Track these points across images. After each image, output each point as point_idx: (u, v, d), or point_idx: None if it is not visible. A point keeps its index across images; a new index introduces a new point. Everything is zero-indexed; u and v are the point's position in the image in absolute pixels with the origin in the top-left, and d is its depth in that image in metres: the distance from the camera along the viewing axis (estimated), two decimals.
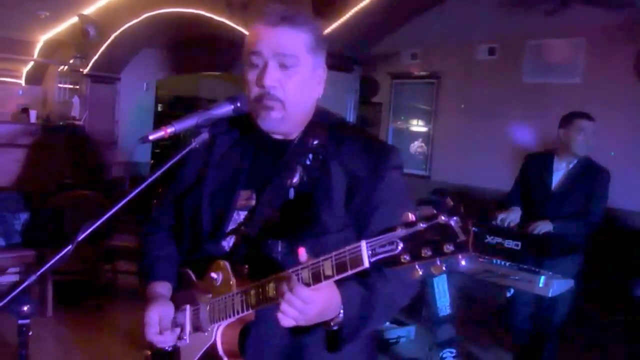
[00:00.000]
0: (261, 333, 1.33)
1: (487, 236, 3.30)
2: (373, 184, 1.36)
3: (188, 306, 1.46)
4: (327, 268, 1.11)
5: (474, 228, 1.00)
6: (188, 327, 1.44)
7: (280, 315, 1.16)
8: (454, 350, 3.44)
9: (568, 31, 7.28)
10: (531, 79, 7.83)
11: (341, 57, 4.79)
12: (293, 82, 1.36)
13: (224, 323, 1.36)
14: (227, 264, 1.38)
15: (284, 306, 1.15)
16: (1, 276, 4.96)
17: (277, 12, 1.36)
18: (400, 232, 1.03)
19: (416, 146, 9.58)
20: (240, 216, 1.43)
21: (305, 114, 1.44)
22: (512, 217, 3.54)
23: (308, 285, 1.14)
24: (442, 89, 9.12)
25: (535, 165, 3.84)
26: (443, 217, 1.00)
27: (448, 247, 0.99)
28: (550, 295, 3.08)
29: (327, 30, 4.54)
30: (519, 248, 3.22)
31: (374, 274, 1.24)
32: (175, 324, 1.46)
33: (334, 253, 1.11)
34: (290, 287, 1.14)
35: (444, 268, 1.02)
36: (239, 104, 1.35)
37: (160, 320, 1.45)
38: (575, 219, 3.52)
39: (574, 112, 3.68)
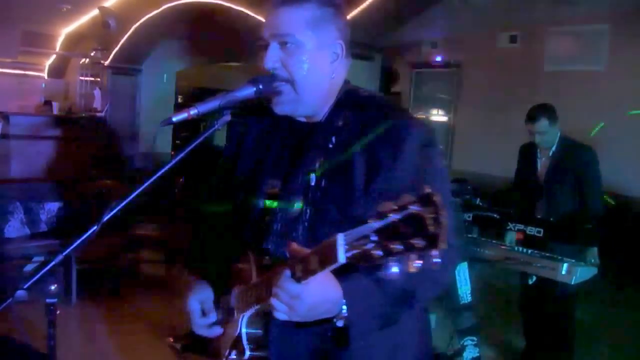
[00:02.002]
0: (284, 324, 1.28)
1: (509, 223, 3.28)
2: (394, 164, 1.27)
3: (221, 296, 1.46)
4: (314, 262, 1.06)
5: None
6: (222, 317, 1.44)
7: (272, 309, 1.16)
8: (475, 338, 3.42)
9: (591, 18, 7.16)
10: (553, 67, 7.72)
11: (361, 45, 4.77)
12: (295, 60, 1.32)
13: (247, 314, 1.36)
14: (251, 255, 1.38)
15: (272, 299, 1.14)
16: (27, 265, 5.05)
17: None
18: (375, 224, 0.93)
19: (436, 136, 9.52)
20: (266, 204, 1.41)
21: (322, 93, 1.38)
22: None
23: (299, 280, 1.10)
24: (462, 78, 9.04)
25: (524, 155, 4.02)
26: (415, 207, 0.89)
27: (418, 242, 0.87)
28: (573, 282, 3.05)
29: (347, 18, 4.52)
30: (541, 235, 3.20)
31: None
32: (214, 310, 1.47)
33: (318, 246, 1.06)
34: (278, 282, 1.13)
35: (417, 265, 0.90)
36: (260, 86, 1.31)
37: (202, 306, 1.44)
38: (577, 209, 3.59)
39: (528, 113, 3.75)
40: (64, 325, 4.15)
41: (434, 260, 0.88)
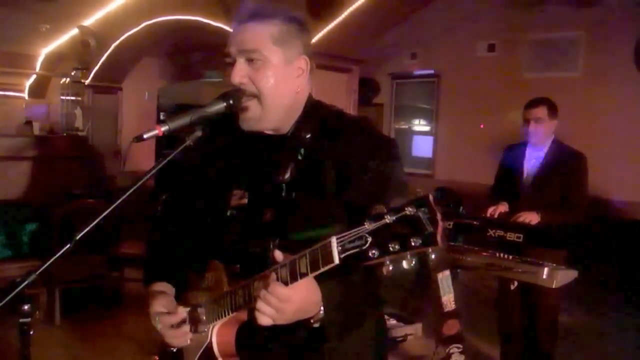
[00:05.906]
0: (255, 332, 1.31)
1: (489, 229, 3.30)
2: (366, 177, 1.31)
3: (189, 307, 1.46)
4: (302, 265, 1.10)
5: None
6: (189, 328, 1.44)
7: (257, 314, 1.16)
8: (460, 346, 3.43)
9: (568, 25, 7.28)
10: (531, 74, 7.83)
11: (339, 57, 4.80)
12: (262, 75, 1.34)
13: (218, 323, 1.37)
14: (221, 264, 1.39)
15: (259, 304, 1.15)
16: None
17: (247, 8, 1.36)
18: (369, 226, 0.99)
19: (419, 146, 9.56)
20: (234, 215, 1.43)
21: (287, 108, 1.40)
22: (500, 209, 3.55)
23: (286, 283, 1.13)
24: (442, 87, 9.12)
25: (510, 156, 3.85)
26: (410, 209, 0.95)
27: (415, 241, 0.95)
28: (554, 286, 3.07)
29: (323, 31, 4.55)
30: (520, 240, 3.22)
31: (360, 271, 1.19)
32: (181, 323, 1.46)
33: (308, 250, 1.09)
34: (267, 286, 1.14)
35: (413, 263, 0.98)
36: (231, 101, 1.33)
37: (166, 310, 1.44)
38: (558, 208, 3.50)
39: (528, 101, 3.68)
40: (48, 346, 4.13)
41: (431, 257, 0.98)
